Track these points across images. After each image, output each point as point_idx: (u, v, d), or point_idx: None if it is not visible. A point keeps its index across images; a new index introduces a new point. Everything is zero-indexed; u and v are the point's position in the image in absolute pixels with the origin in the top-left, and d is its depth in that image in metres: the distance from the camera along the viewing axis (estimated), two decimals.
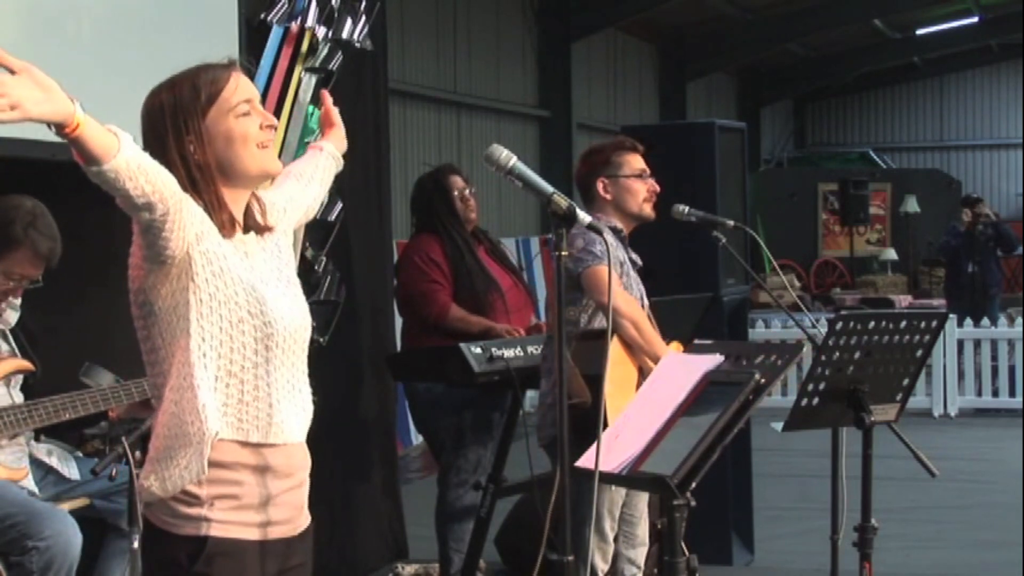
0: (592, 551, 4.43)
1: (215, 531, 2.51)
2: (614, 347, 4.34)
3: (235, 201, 2.58)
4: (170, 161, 2.46)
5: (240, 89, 2.56)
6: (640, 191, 4.62)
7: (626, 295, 4.41)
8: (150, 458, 2.54)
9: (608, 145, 4.74)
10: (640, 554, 4.66)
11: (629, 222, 4.64)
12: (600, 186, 4.61)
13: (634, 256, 4.68)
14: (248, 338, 2.51)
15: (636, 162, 4.65)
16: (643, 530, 4.64)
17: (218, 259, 2.50)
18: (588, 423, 3.98)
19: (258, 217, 2.64)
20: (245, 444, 2.53)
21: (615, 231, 4.56)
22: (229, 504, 2.52)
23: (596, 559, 4.46)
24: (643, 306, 4.61)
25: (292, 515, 2.63)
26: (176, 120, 2.50)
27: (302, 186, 2.90)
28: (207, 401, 2.47)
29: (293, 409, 2.60)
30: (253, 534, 2.55)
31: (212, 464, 2.50)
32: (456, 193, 5.68)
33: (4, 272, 4.05)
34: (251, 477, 2.54)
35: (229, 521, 2.52)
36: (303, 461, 2.65)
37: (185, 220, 2.41)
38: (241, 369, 2.51)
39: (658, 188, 4.66)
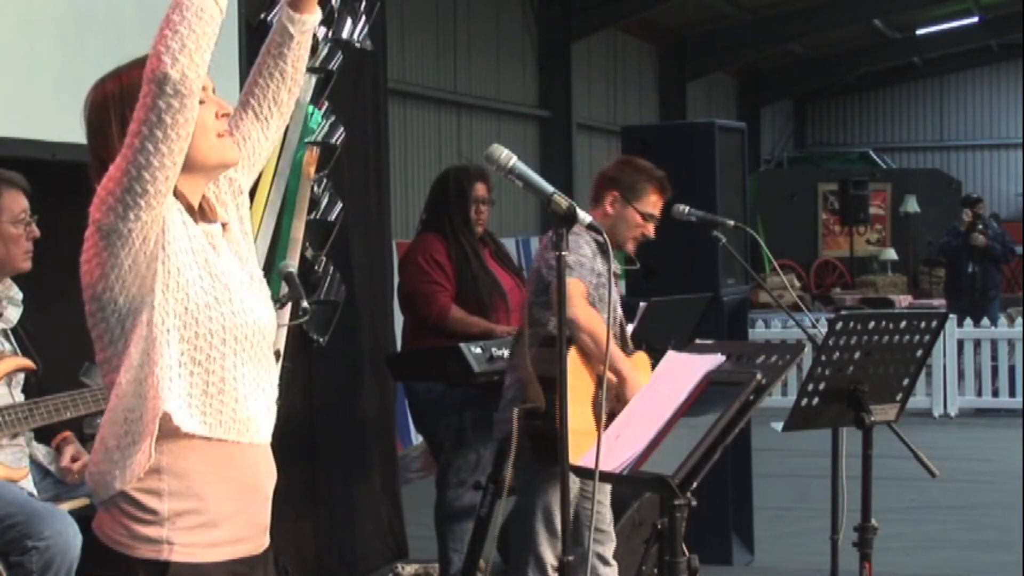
0: (540, 544, 4.45)
1: (177, 555, 2.33)
2: (571, 357, 4.35)
3: (191, 191, 2.43)
4: (115, 154, 2.30)
5: None
6: (634, 229, 4.63)
7: (588, 309, 4.41)
8: (105, 447, 2.35)
9: (644, 168, 4.71)
10: (609, 549, 4.67)
11: (613, 241, 4.66)
12: (609, 198, 4.64)
13: (615, 267, 4.74)
14: (215, 325, 2.35)
15: (653, 204, 4.65)
16: (608, 524, 4.66)
17: (187, 238, 2.37)
18: (542, 431, 4.04)
19: (209, 215, 2.49)
20: (209, 441, 2.35)
21: (598, 243, 4.58)
22: (192, 521, 2.35)
23: (546, 552, 4.48)
24: (617, 316, 4.63)
25: (256, 532, 2.45)
26: (122, 109, 2.34)
27: (260, 127, 2.58)
28: (165, 377, 2.30)
29: (259, 407, 2.43)
30: (217, 555, 2.38)
31: (173, 473, 2.34)
32: (475, 203, 5.67)
33: (10, 220, 4.09)
34: (214, 487, 2.37)
35: (192, 543, 2.35)
36: (269, 471, 2.48)
37: (184, 139, 2.27)
38: (207, 358, 2.34)
39: (652, 236, 4.67)
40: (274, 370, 2.51)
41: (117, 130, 2.36)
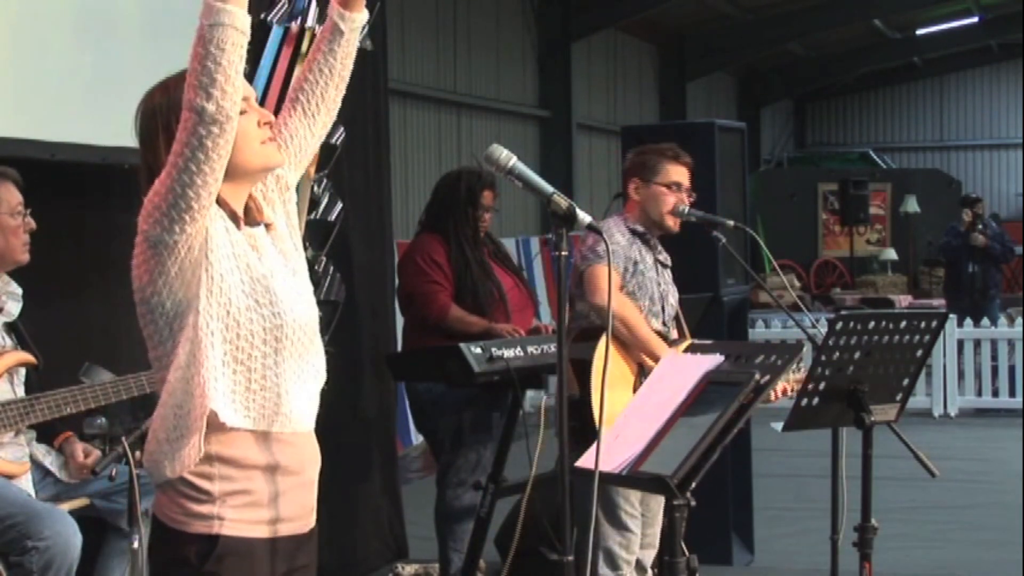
0: (609, 539, 4.45)
1: (227, 530, 2.48)
2: (611, 345, 4.36)
3: (235, 197, 2.55)
4: (161, 164, 2.42)
5: None
6: (667, 202, 4.65)
7: (619, 296, 4.43)
8: (157, 439, 2.50)
9: (654, 148, 4.77)
10: (648, 556, 4.66)
11: (652, 227, 4.68)
12: (632, 186, 4.68)
13: (662, 257, 4.74)
14: (256, 326, 2.49)
15: (674, 173, 4.68)
16: (653, 531, 4.64)
17: (229, 244, 2.49)
18: (578, 417, 4.02)
19: (255, 215, 2.61)
20: (254, 432, 2.50)
21: (636, 233, 4.61)
22: (241, 500, 2.50)
23: (616, 547, 4.47)
24: (666, 306, 4.64)
25: (301, 512, 2.61)
26: (169, 121, 2.46)
27: (308, 124, 2.71)
28: (211, 377, 2.44)
29: (300, 399, 2.58)
30: (264, 532, 2.53)
31: (222, 460, 2.48)
32: (481, 210, 5.66)
33: (8, 212, 4.11)
34: (261, 472, 2.51)
35: (240, 519, 2.50)
36: (312, 456, 2.64)
37: (225, 156, 2.39)
38: (248, 357, 2.48)
39: (687, 203, 4.68)
40: (318, 359, 2.65)
41: (163, 140, 2.47)
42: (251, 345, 2.49)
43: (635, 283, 4.55)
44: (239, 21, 2.34)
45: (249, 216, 2.59)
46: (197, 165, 2.36)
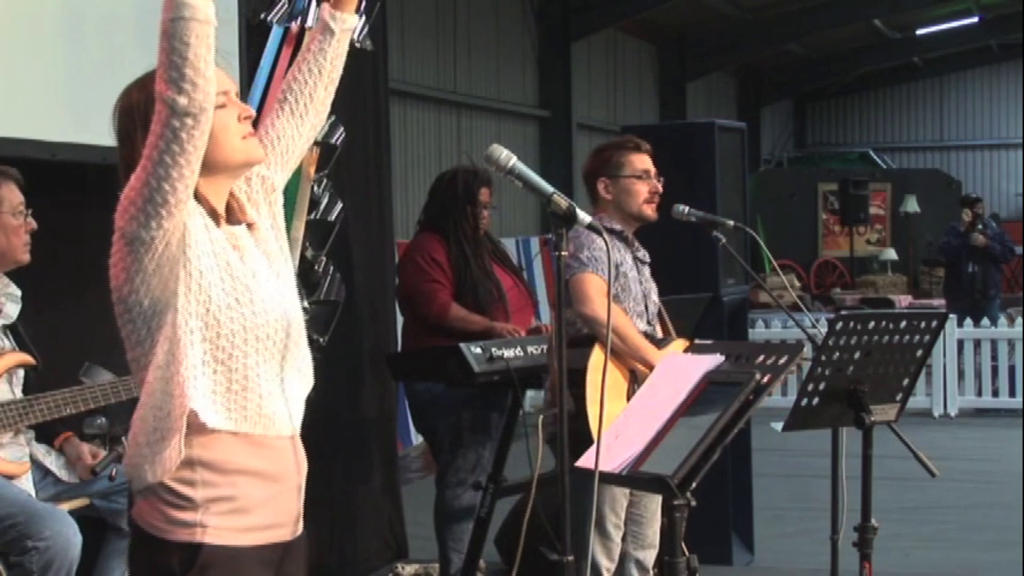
0: (593, 548, 4.43)
1: (210, 538, 2.41)
2: (601, 353, 4.33)
3: (216, 194, 2.50)
4: (140, 159, 2.36)
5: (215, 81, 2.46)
6: (640, 192, 4.61)
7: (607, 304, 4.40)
8: (136, 443, 2.45)
9: (612, 144, 4.75)
10: (649, 556, 4.64)
11: (630, 222, 4.65)
12: (601, 186, 4.63)
13: (640, 254, 4.70)
14: (236, 325, 2.43)
15: (639, 162, 4.64)
16: (653, 531, 4.63)
17: (208, 242, 2.44)
18: (575, 427, 4.00)
19: (238, 214, 2.56)
20: (235, 435, 2.43)
21: (614, 232, 4.57)
22: (224, 507, 2.43)
23: (599, 556, 4.46)
24: (648, 304, 4.63)
25: (286, 520, 2.54)
26: (146, 117, 2.39)
27: (295, 124, 2.67)
28: (190, 376, 2.39)
29: (283, 402, 2.51)
30: (249, 539, 2.46)
31: (204, 464, 2.41)
32: (480, 207, 5.66)
33: (10, 211, 4.11)
34: (244, 477, 2.44)
35: (224, 527, 2.43)
36: (299, 461, 2.56)
37: (200, 148, 2.33)
38: (229, 357, 2.42)
39: (660, 188, 4.66)
40: (305, 363, 2.59)
41: (142, 137, 2.41)
42: (232, 345, 2.43)
43: (619, 285, 4.52)
44: (201, 13, 2.28)
45: (231, 215, 2.54)
46: (172, 158, 2.30)
